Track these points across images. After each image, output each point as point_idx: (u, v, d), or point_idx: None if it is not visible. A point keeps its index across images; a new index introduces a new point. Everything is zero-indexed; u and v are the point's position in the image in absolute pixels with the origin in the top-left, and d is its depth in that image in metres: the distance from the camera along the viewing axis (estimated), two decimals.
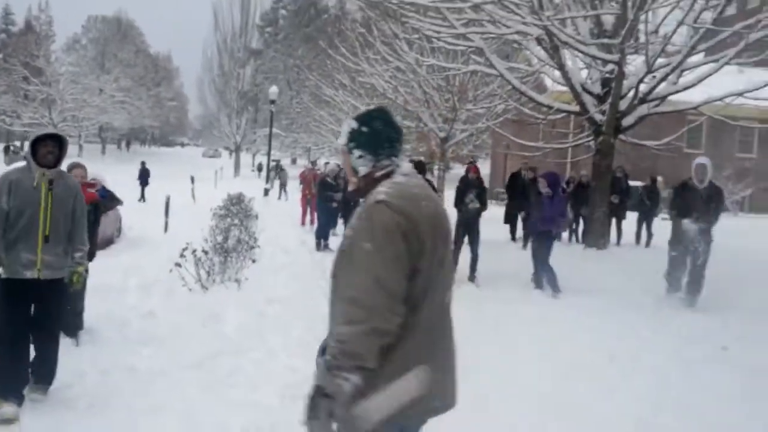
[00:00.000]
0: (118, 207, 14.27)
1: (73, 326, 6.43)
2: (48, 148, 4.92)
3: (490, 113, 21.00)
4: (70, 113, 57.57)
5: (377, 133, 2.71)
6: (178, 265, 8.26)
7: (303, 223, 19.18)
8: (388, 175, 2.69)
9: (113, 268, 9.73)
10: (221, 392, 5.27)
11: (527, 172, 15.49)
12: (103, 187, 7.91)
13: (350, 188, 2.84)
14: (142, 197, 26.62)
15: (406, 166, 2.75)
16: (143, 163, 29.79)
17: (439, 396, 2.65)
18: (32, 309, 5.00)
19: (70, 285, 5.14)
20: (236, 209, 14.04)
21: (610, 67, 12.68)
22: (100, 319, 7.05)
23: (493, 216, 14.64)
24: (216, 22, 66.91)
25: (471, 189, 10.77)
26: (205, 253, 8.79)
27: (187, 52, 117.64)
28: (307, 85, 43.39)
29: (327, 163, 21.61)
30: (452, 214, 11.43)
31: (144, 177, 28.58)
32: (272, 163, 38.54)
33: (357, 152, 2.71)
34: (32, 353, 5.05)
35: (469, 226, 10.76)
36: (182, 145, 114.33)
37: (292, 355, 6.13)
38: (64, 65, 62.92)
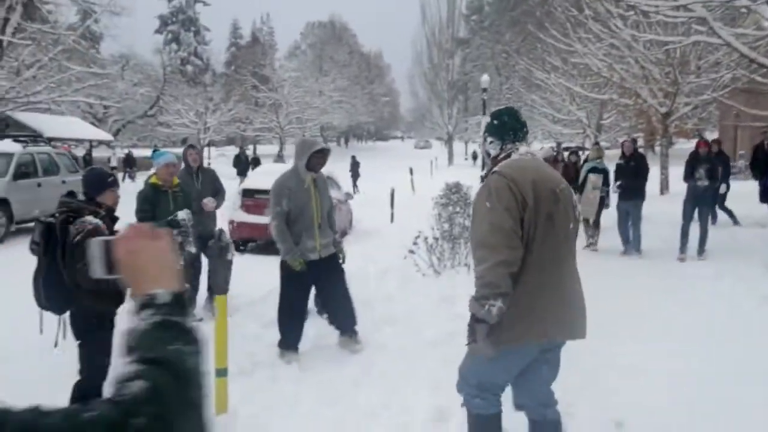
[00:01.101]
0: (349, 201, 15.41)
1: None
2: (320, 158, 6.04)
3: (716, 84, 19.78)
4: (294, 116, 61.62)
5: (503, 125, 3.60)
6: (411, 252, 8.88)
7: None
8: (508, 156, 3.53)
9: (351, 257, 10.59)
10: None
11: None
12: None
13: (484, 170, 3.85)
14: (355, 189, 27.94)
15: (523, 149, 3.56)
16: (354, 158, 31.56)
17: (552, 326, 3.37)
18: (312, 285, 6.33)
19: (341, 258, 6.43)
20: (456, 197, 14.56)
21: None
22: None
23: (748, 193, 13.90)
24: (424, 16, 68.64)
25: (701, 164, 10.43)
26: (436, 240, 9.34)
27: (396, 48, 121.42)
28: (517, 69, 43.13)
29: (542, 148, 21.53)
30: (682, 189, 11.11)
31: (355, 170, 30.29)
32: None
33: (489, 139, 3.64)
34: (336, 315, 6.48)
35: (698, 201, 10.47)
36: (402, 138, 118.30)
37: None
38: (287, 71, 67.29)
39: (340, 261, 6.46)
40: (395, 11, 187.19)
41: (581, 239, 11.10)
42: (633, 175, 11.27)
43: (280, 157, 26.82)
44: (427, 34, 69.29)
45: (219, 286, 4.40)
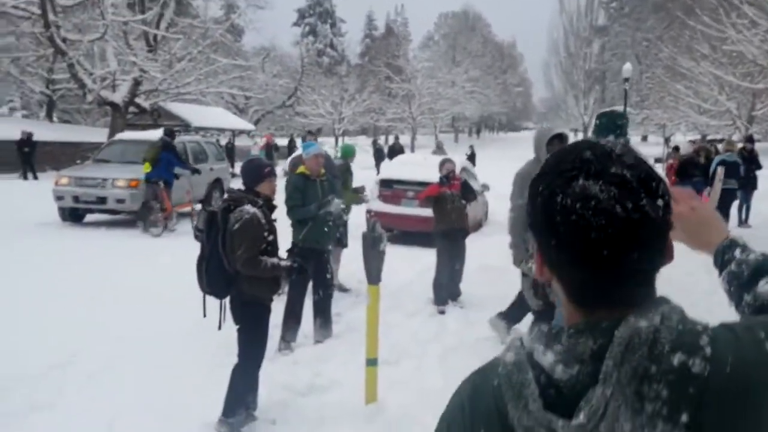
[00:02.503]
0: (485, 193, 15.25)
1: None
2: (560, 144, 5.90)
3: None
4: (426, 106, 61.72)
5: (599, 126, 4.25)
6: None
7: None
8: None
9: (490, 250, 10.48)
10: None
11: None
12: (465, 181, 8.63)
13: None
14: None
15: None
16: (471, 147, 31.79)
17: None
18: None
19: None
20: None
21: None
22: (490, 295, 7.75)
23: None
24: (561, 4, 66.89)
25: None
26: None
27: (530, 38, 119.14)
28: (660, 57, 41.24)
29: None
30: None
31: (472, 160, 30.23)
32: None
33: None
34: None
35: None
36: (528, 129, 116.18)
37: None
38: (420, 62, 67.45)
39: None
40: (530, 0, 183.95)
41: None
42: None
43: (393, 149, 26.82)
44: (564, 22, 67.65)
45: (372, 275, 4.43)
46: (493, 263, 9.75)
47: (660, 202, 0.94)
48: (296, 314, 6.42)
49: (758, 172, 14.54)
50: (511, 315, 6.41)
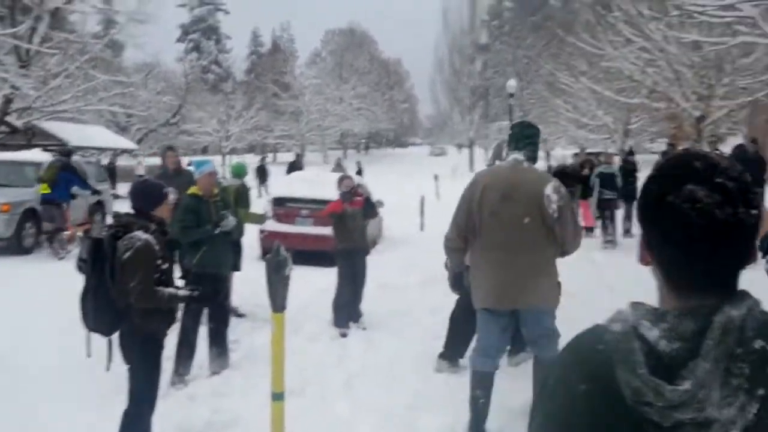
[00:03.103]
0: (379, 209, 15.13)
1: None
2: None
3: (753, 87, 19.30)
4: (315, 123, 61.60)
5: (510, 136, 4.62)
6: None
7: None
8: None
9: (387, 268, 10.33)
10: None
11: None
12: (368, 197, 8.44)
13: None
14: None
15: (512, 156, 4.53)
16: (359, 163, 32.60)
17: (491, 296, 4.44)
18: None
19: None
20: None
21: None
22: (392, 314, 7.56)
23: None
24: (445, 22, 68.35)
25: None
26: None
27: (416, 55, 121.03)
28: (541, 74, 42.73)
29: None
30: None
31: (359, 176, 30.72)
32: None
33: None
34: None
35: None
36: (420, 145, 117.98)
37: None
38: (308, 79, 67.32)
39: None
40: (415, 18, 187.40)
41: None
42: None
43: (293, 165, 25.99)
44: (448, 40, 69.10)
45: (276, 303, 4.13)
46: (392, 281, 9.61)
47: (754, 211, 1.10)
48: (190, 344, 5.99)
49: (637, 184, 15.12)
50: (453, 349, 6.03)
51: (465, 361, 5.69)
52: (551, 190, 4.33)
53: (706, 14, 11.57)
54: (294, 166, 25.40)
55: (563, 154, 42.14)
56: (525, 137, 4.55)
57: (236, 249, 8.00)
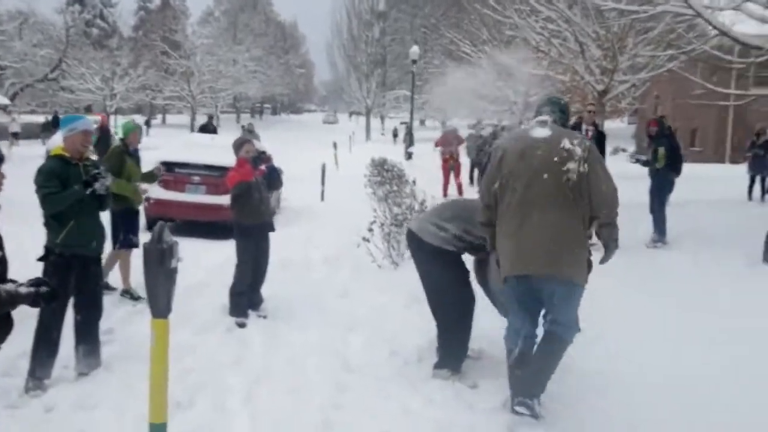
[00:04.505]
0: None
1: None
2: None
3: (654, 62, 19.28)
4: (207, 85, 59.02)
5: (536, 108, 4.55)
6: (366, 240, 7.72)
7: (445, 194, 15.93)
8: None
9: (290, 241, 9.36)
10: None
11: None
12: (272, 165, 7.30)
13: None
14: None
15: (533, 121, 4.37)
16: (243, 127, 30.37)
17: (511, 262, 4.13)
18: None
19: None
20: (389, 175, 13.45)
21: None
22: (296, 298, 6.65)
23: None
24: None
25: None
26: (397, 226, 8.16)
27: (312, 18, 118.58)
28: (441, 43, 42.25)
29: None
30: None
31: None
32: (401, 126, 37.90)
33: None
34: None
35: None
36: (315, 111, 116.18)
37: None
38: (200, 38, 64.49)
39: None
40: None
41: None
42: None
43: (206, 127, 22.95)
44: (346, 4, 67.65)
45: (158, 305, 3.12)
46: (293, 258, 8.64)
47: None
48: (52, 341, 4.86)
49: None
50: (449, 358, 4.95)
51: (465, 364, 4.95)
52: (573, 143, 4.06)
53: None
54: (206, 130, 22.74)
55: (460, 124, 42.01)
56: (551, 103, 4.47)
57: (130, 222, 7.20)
